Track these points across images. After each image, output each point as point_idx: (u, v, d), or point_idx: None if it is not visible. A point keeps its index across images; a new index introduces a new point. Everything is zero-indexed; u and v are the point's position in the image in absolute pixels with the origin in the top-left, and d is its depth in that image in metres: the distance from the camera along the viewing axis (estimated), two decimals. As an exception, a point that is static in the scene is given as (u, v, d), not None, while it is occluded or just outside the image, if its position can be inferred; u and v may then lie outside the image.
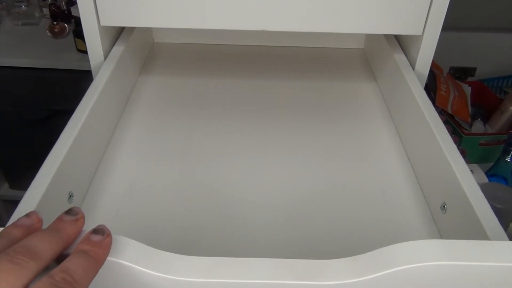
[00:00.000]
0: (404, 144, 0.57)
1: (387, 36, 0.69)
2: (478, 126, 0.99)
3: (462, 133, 0.92)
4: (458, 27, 1.14)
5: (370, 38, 0.79)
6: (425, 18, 0.57)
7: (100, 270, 0.29)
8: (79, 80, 0.60)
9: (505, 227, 0.67)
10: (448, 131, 0.48)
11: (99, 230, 0.30)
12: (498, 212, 0.39)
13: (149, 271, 0.29)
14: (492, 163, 0.84)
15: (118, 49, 0.61)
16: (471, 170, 0.50)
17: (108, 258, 0.29)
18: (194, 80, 0.70)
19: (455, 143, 0.46)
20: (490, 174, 0.82)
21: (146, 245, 0.31)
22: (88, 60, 0.59)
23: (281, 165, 0.54)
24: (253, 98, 0.66)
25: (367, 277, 0.29)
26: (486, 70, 1.19)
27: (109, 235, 0.30)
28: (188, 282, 0.29)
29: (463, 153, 0.90)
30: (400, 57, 0.63)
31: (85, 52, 0.59)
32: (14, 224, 0.29)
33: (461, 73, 1.19)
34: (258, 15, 0.56)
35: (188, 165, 0.53)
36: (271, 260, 0.30)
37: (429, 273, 0.29)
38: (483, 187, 0.41)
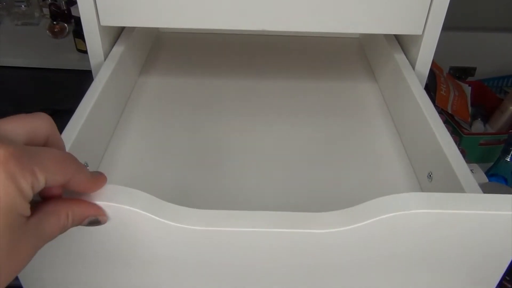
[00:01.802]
0: (404, 144, 0.57)
1: (387, 36, 0.69)
2: (478, 126, 0.99)
3: (462, 133, 0.92)
4: (458, 27, 1.14)
5: (370, 37, 0.79)
6: (425, 18, 0.57)
7: (116, 217, 0.31)
8: (79, 80, 0.60)
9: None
10: (448, 131, 0.48)
11: (97, 172, 0.33)
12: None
13: (159, 219, 0.32)
14: (492, 163, 0.84)
15: (118, 49, 0.61)
16: (471, 170, 0.50)
17: (123, 206, 0.31)
18: (195, 80, 0.70)
19: (455, 143, 0.46)
20: (490, 174, 0.82)
21: (157, 198, 0.34)
22: (88, 60, 0.59)
23: (281, 165, 0.54)
24: (252, 98, 0.66)
25: (356, 225, 0.33)
26: (486, 70, 1.19)
27: (105, 177, 0.33)
28: (195, 230, 0.32)
29: (463, 152, 0.90)
30: (400, 57, 0.63)
31: (85, 52, 0.59)
32: (83, 168, 0.30)
33: (461, 73, 1.19)
34: (257, 15, 0.56)
35: (189, 165, 0.53)
36: (272, 213, 0.34)
37: (411, 220, 0.33)
38: (483, 187, 0.41)
